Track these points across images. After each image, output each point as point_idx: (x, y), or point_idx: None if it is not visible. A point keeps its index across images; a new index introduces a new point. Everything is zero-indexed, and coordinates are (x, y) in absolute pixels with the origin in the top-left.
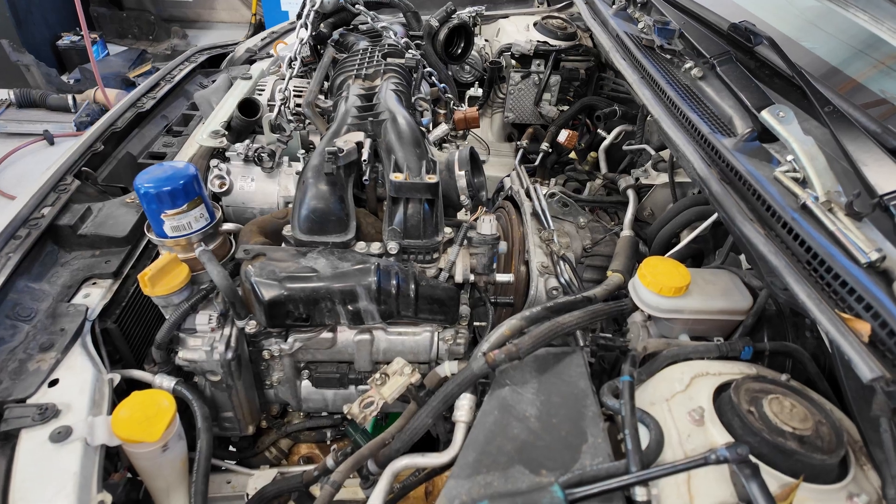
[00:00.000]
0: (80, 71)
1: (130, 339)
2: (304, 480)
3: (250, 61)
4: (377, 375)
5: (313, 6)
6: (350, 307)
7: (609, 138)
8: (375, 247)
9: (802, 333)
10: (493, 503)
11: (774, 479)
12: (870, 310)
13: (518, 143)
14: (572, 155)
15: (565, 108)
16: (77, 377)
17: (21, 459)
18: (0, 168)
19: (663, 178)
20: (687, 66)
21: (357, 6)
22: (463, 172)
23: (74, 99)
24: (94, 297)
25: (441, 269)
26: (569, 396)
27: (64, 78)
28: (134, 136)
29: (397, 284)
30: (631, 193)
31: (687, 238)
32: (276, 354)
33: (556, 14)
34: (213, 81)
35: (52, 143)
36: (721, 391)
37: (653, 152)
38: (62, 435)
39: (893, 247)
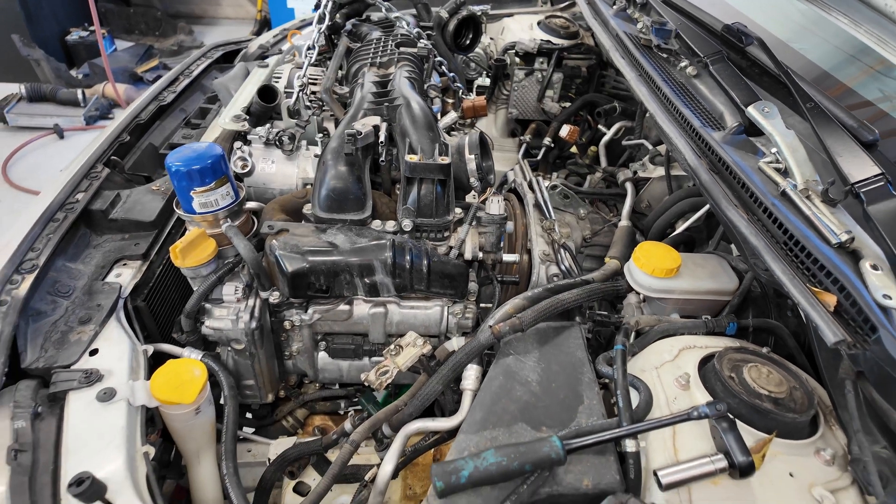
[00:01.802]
0: (89, 66)
1: (156, 316)
2: (324, 444)
3: (263, 57)
4: (392, 346)
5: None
6: (367, 280)
7: (609, 134)
8: (390, 225)
9: (784, 313)
10: (498, 451)
11: (751, 435)
12: (837, 283)
13: (521, 138)
14: (573, 149)
15: (567, 104)
16: (115, 348)
17: (72, 416)
18: (12, 161)
19: (660, 171)
20: (682, 64)
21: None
22: (473, 156)
23: (84, 93)
24: (125, 276)
25: (451, 247)
26: (567, 365)
27: (73, 72)
28: (155, 128)
29: (411, 259)
30: (629, 186)
31: (681, 227)
32: (296, 324)
33: (558, 13)
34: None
35: (62, 136)
36: (706, 362)
37: (650, 147)
38: (108, 395)
39: (862, 229)
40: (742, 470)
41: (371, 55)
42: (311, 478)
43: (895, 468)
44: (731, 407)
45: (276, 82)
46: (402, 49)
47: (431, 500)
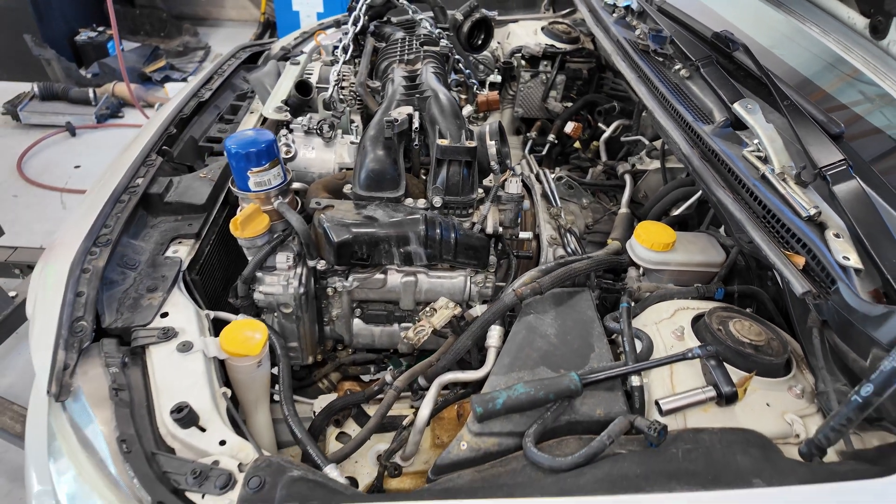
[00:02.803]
0: (99, 65)
1: (206, 288)
2: (367, 395)
3: (285, 58)
4: (427, 308)
5: (366, 1)
6: (402, 249)
7: (609, 131)
8: (421, 202)
9: (765, 283)
10: (526, 384)
11: (735, 374)
12: (805, 248)
13: (527, 135)
14: (576, 145)
15: (569, 104)
16: (182, 312)
17: (156, 364)
18: (26, 157)
19: (656, 164)
20: (676, 67)
21: (401, 1)
22: (493, 142)
23: (95, 92)
24: (181, 252)
25: (474, 223)
26: (579, 322)
27: (82, 72)
28: (194, 122)
29: (441, 232)
30: (628, 178)
31: (675, 212)
32: (338, 290)
33: (560, 20)
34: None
35: (73, 134)
36: (698, 319)
37: (647, 142)
38: (186, 347)
39: (828, 205)
40: (727, 398)
41: (399, 53)
42: (352, 429)
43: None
44: (719, 352)
45: (308, 78)
46: (426, 48)
47: (471, 424)
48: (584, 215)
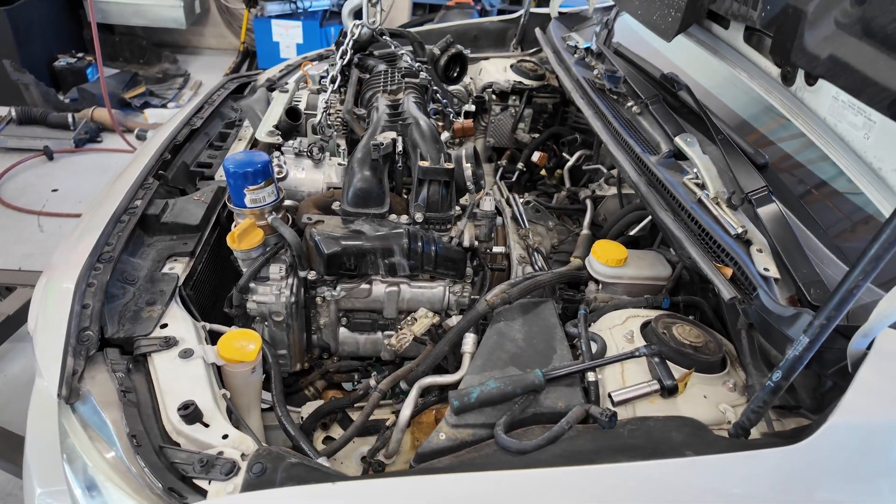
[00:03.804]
0: (78, 91)
1: (197, 303)
2: (353, 399)
3: (271, 88)
4: (409, 318)
5: (353, 37)
6: (387, 261)
7: (571, 160)
8: (404, 218)
9: (707, 294)
10: (497, 380)
11: (677, 371)
12: (733, 261)
13: (498, 162)
14: (543, 172)
15: (536, 135)
16: (180, 323)
17: (160, 370)
18: (2, 180)
19: (613, 190)
20: (629, 104)
21: (384, 37)
22: (469, 164)
23: (73, 117)
24: (177, 269)
25: (452, 237)
26: (544, 328)
27: (61, 97)
28: (186, 148)
29: (422, 245)
30: (588, 202)
31: (630, 233)
32: (327, 299)
33: (528, 58)
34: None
35: (51, 157)
36: (646, 326)
37: (605, 171)
38: (187, 354)
39: (753, 225)
40: (669, 391)
41: (382, 84)
42: (337, 433)
43: None
44: (662, 351)
45: (297, 104)
46: (407, 79)
47: (449, 417)
48: (550, 236)
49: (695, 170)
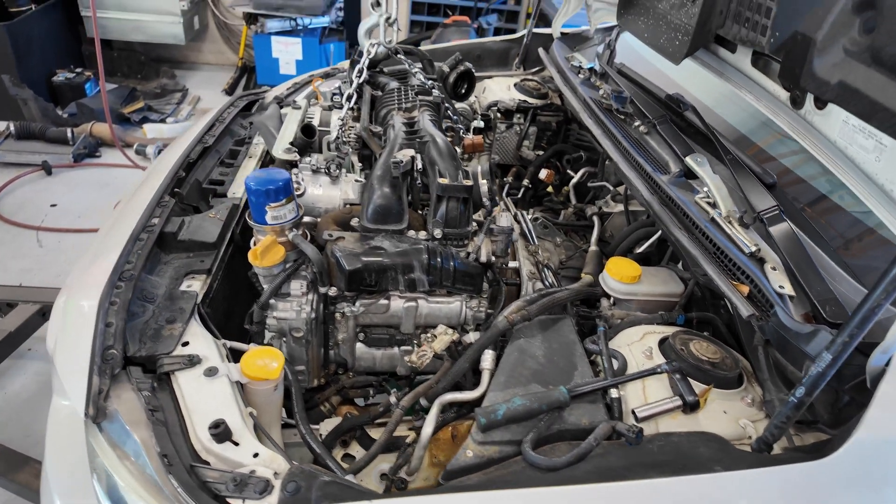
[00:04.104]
0: (77, 106)
1: (214, 321)
2: (372, 415)
3: (279, 107)
4: (428, 335)
5: (370, 55)
6: (407, 276)
7: (576, 178)
8: (422, 234)
9: (719, 310)
10: (523, 397)
11: (696, 387)
12: (748, 279)
13: (504, 179)
14: (549, 189)
15: (540, 152)
16: (201, 341)
17: (185, 389)
18: (0, 195)
19: (620, 207)
20: (636, 124)
21: (398, 55)
22: (485, 181)
23: (72, 132)
24: (195, 286)
25: (469, 252)
26: (563, 344)
27: (59, 112)
28: (198, 166)
29: (441, 261)
30: (596, 219)
31: (638, 249)
32: (346, 314)
33: (530, 77)
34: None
35: (49, 172)
36: (663, 342)
37: (611, 188)
38: (212, 372)
39: (765, 243)
40: (691, 406)
41: (397, 102)
42: (356, 450)
43: None
44: (682, 368)
45: (310, 121)
46: (420, 97)
47: (475, 434)
48: (558, 252)
49: (705, 189)
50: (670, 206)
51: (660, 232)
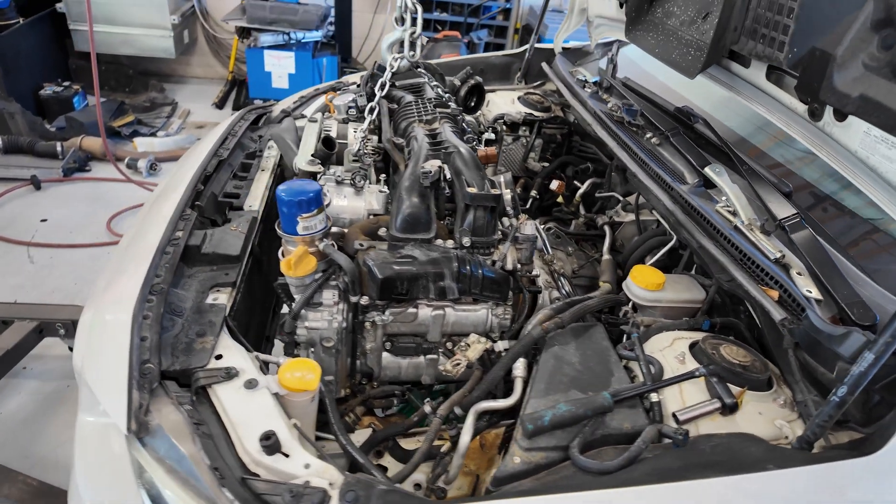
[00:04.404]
0: (66, 119)
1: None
2: (406, 425)
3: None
4: (462, 343)
5: (392, 69)
6: (438, 284)
7: (583, 188)
8: (450, 242)
9: (739, 315)
10: (567, 403)
11: (732, 390)
12: (777, 283)
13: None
14: (559, 199)
15: (546, 164)
16: (233, 354)
17: (225, 401)
18: None
19: (630, 217)
20: (647, 136)
21: (418, 69)
22: (508, 190)
23: (62, 146)
24: (221, 299)
25: (495, 261)
26: (597, 351)
27: (47, 126)
28: (213, 179)
29: (471, 269)
30: (607, 228)
31: (653, 259)
32: (376, 323)
33: (533, 91)
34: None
35: (38, 187)
36: (693, 346)
37: (620, 198)
38: (252, 384)
39: (788, 250)
40: (730, 408)
41: (417, 114)
42: (388, 461)
43: (819, 408)
44: (716, 371)
45: (327, 133)
46: (439, 110)
47: (521, 441)
48: (570, 261)
49: (724, 198)
50: (693, 215)
51: (673, 241)
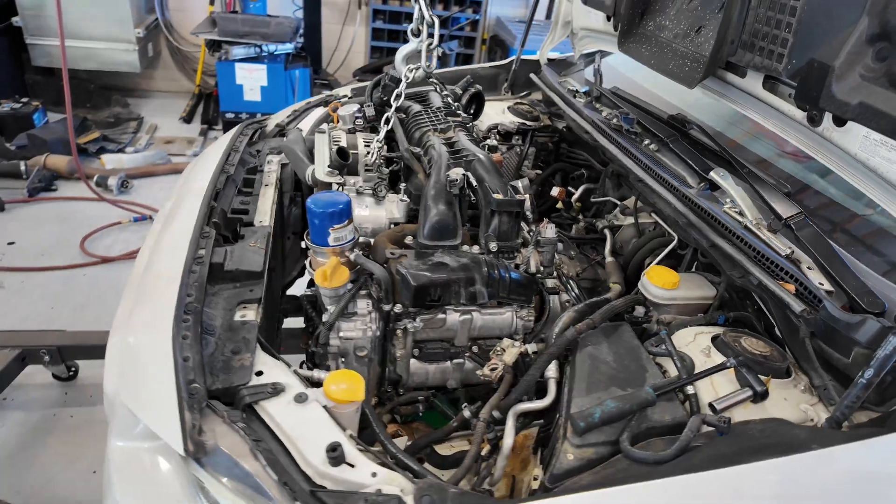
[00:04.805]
0: (28, 137)
1: None
2: (446, 431)
3: (281, 134)
4: (497, 348)
5: (408, 80)
6: (469, 289)
7: (577, 193)
8: (475, 248)
9: (745, 308)
10: (613, 400)
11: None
12: (792, 278)
13: None
14: (559, 205)
15: (539, 171)
16: (273, 370)
17: (279, 417)
18: None
19: (628, 220)
20: (646, 142)
21: (431, 79)
22: (527, 195)
23: (25, 165)
24: (249, 316)
25: (518, 264)
26: (628, 349)
27: (7, 145)
28: (221, 195)
29: (500, 273)
30: (607, 232)
31: (656, 259)
32: (409, 331)
33: (521, 101)
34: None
35: (2, 209)
36: (714, 340)
37: (617, 202)
38: (302, 398)
39: (796, 246)
40: (761, 396)
41: (431, 124)
42: (426, 468)
43: (839, 391)
44: (744, 362)
45: (337, 143)
46: (450, 118)
47: (571, 438)
48: (573, 265)
49: (729, 200)
50: (704, 216)
51: (675, 241)
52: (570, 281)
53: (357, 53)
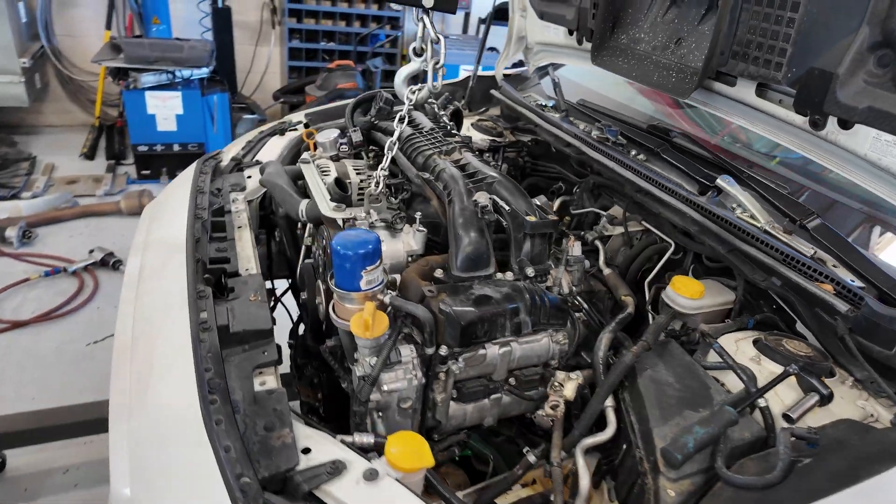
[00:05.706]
0: None
1: None
2: (513, 479)
3: (239, 168)
4: (555, 383)
5: (410, 102)
6: (514, 320)
7: (555, 206)
8: (509, 274)
9: (761, 309)
10: (700, 426)
11: None
12: (827, 278)
13: None
14: None
15: None
16: (319, 443)
17: (349, 500)
18: None
19: (618, 230)
20: (633, 153)
21: (430, 101)
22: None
23: None
24: (270, 383)
25: (550, 286)
26: (684, 367)
27: None
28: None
29: (541, 299)
30: (598, 243)
31: (657, 267)
32: (454, 372)
33: (482, 117)
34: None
35: None
36: (755, 344)
37: (603, 213)
38: (373, 475)
39: (814, 246)
40: (828, 399)
41: (434, 146)
42: None
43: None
44: (803, 367)
45: (327, 174)
46: (450, 139)
47: (667, 473)
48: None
49: (737, 205)
50: (719, 222)
51: (672, 248)
52: (578, 297)
53: (273, 74)
